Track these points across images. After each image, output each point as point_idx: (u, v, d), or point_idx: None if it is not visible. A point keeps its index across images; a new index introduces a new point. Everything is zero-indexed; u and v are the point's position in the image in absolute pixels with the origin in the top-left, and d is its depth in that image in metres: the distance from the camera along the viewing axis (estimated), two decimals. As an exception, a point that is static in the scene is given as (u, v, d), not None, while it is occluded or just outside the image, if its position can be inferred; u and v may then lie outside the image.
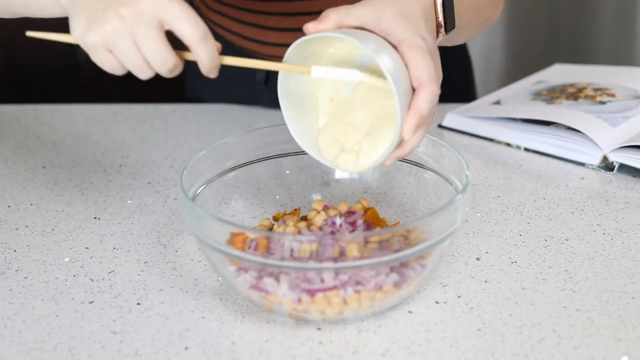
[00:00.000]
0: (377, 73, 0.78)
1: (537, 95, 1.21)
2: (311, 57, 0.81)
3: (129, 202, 1.01)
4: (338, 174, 0.96)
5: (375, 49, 0.75)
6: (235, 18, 1.19)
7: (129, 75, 0.80)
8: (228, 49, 1.25)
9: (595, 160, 1.06)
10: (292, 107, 0.83)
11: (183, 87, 1.42)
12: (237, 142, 0.91)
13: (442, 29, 0.85)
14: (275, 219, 0.90)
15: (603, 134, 1.08)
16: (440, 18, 0.85)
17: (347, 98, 0.83)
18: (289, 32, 1.16)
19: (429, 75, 0.76)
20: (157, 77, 0.75)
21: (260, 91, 1.26)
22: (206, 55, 0.76)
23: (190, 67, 1.35)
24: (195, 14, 0.74)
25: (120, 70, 0.77)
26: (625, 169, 1.05)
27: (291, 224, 0.85)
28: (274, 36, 1.17)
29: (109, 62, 0.77)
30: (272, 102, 1.26)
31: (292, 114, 0.83)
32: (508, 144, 1.14)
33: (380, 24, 0.77)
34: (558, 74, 1.31)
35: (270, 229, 0.88)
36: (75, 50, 2.26)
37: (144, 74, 0.77)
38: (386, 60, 0.75)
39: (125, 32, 0.74)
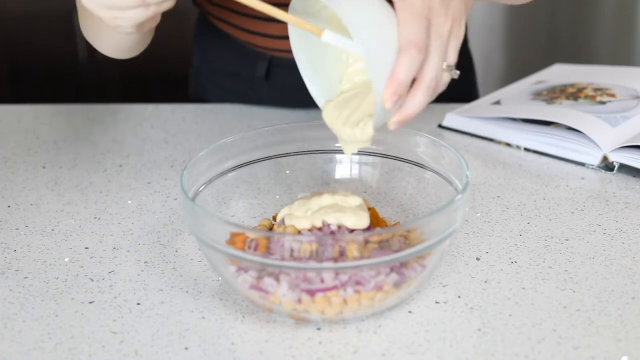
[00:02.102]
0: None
1: (537, 95, 1.21)
2: (320, 13, 0.81)
3: (129, 202, 1.01)
4: (338, 174, 0.96)
5: (351, 16, 0.73)
6: (236, 10, 1.18)
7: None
8: (229, 43, 1.25)
9: (595, 160, 1.06)
10: (310, 63, 0.83)
11: (181, 87, 1.42)
12: (237, 142, 0.91)
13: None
14: (276, 219, 0.90)
15: (603, 134, 1.08)
16: None
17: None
18: None
19: (408, 39, 0.73)
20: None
21: (260, 86, 1.26)
22: None
23: (194, 66, 1.35)
24: None
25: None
26: (625, 169, 1.05)
27: (291, 224, 0.85)
28: (275, 28, 1.17)
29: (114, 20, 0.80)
30: (272, 97, 1.26)
31: (309, 66, 0.84)
32: (508, 144, 1.14)
33: None
34: (558, 74, 1.31)
35: (270, 229, 0.88)
36: (75, 50, 2.27)
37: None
38: (360, 25, 0.72)
39: None
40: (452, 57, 0.77)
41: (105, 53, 1.02)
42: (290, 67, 1.22)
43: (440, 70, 0.76)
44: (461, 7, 0.78)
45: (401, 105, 0.76)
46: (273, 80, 1.25)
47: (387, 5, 0.76)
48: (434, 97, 0.78)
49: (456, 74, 0.77)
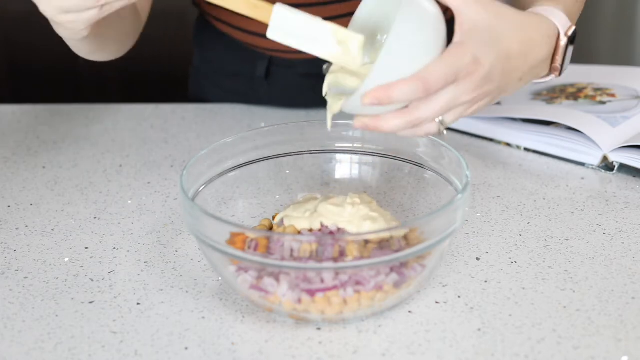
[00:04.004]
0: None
1: (537, 95, 1.21)
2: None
3: (129, 202, 1.01)
4: (338, 174, 0.96)
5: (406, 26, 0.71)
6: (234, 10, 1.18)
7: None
8: (229, 42, 1.25)
9: (595, 160, 1.06)
10: None
11: (181, 87, 1.42)
12: (237, 142, 0.91)
13: (557, 73, 0.82)
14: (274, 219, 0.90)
15: (603, 134, 1.08)
16: (559, 63, 0.82)
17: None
18: None
19: (428, 73, 0.72)
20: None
21: (260, 86, 1.26)
22: None
23: (194, 66, 1.35)
24: None
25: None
26: (625, 169, 1.05)
27: (291, 224, 0.85)
28: None
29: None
30: (272, 96, 1.26)
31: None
32: (508, 144, 1.14)
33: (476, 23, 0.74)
34: (558, 74, 1.31)
35: (270, 228, 0.88)
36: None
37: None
38: (405, 34, 0.72)
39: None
40: (450, 118, 0.77)
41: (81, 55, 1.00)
42: (289, 66, 1.22)
43: (430, 118, 0.75)
44: (500, 93, 0.77)
45: (379, 115, 0.75)
46: (273, 80, 1.25)
47: (443, 38, 0.74)
48: (411, 134, 0.76)
49: (444, 134, 0.77)
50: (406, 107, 0.75)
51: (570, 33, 0.81)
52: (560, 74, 0.82)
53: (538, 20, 0.79)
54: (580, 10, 0.90)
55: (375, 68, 0.71)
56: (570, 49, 0.82)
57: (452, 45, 0.74)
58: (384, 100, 0.72)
